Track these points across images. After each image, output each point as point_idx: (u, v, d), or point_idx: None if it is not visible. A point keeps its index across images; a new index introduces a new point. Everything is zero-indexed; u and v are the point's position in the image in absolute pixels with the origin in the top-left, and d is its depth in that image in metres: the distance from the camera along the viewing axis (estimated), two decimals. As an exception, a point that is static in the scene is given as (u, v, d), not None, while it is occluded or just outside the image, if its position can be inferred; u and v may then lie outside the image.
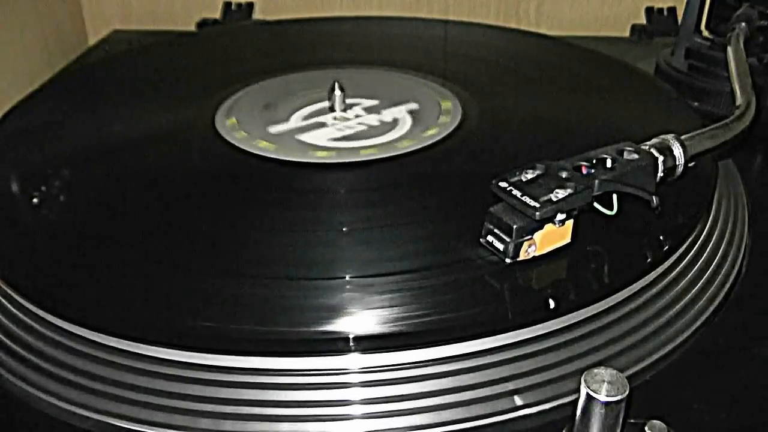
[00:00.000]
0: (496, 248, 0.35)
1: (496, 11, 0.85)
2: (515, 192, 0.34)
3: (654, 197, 0.36)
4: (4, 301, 0.38)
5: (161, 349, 0.33)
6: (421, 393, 0.33)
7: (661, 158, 0.38)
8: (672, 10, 0.79)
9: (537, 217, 0.33)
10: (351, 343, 0.32)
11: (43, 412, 0.34)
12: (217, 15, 0.81)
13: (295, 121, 0.50)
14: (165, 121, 0.52)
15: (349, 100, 0.52)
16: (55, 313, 0.35)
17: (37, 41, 0.77)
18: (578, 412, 0.27)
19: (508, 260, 0.35)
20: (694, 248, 0.40)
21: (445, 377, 0.33)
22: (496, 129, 0.49)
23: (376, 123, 0.50)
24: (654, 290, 0.37)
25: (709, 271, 0.40)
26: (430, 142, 0.47)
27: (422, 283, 0.34)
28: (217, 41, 0.69)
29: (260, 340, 0.32)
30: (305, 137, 0.48)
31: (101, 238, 0.39)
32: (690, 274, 0.39)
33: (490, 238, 0.35)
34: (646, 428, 0.28)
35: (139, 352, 0.33)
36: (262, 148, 0.46)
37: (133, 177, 0.45)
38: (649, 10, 0.80)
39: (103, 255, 0.37)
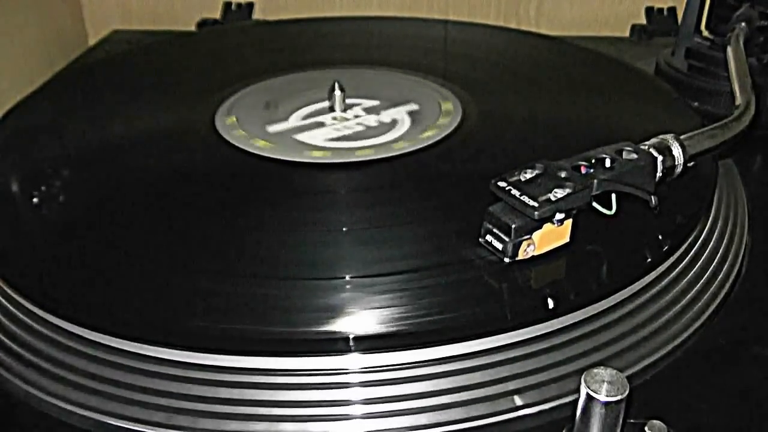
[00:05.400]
0: (495, 248, 0.35)
1: (496, 11, 0.85)
2: (514, 191, 0.34)
3: (653, 197, 0.36)
4: (4, 301, 0.38)
5: (161, 349, 0.33)
6: (421, 393, 0.33)
7: (660, 158, 0.38)
8: (672, 10, 0.79)
9: (536, 217, 0.33)
10: (351, 343, 0.32)
11: (43, 412, 0.34)
12: (217, 15, 0.81)
13: (294, 120, 0.50)
14: (165, 121, 0.52)
15: (349, 101, 0.52)
16: (55, 313, 0.35)
17: (37, 41, 0.77)
18: (578, 412, 0.27)
19: (507, 260, 0.35)
20: (694, 248, 0.40)
21: (444, 377, 0.33)
22: (495, 129, 0.49)
23: (374, 124, 0.50)
24: (654, 290, 0.37)
25: (709, 271, 0.40)
26: (429, 142, 0.47)
27: (421, 283, 0.34)
28: (217, 41, 0.69)
29: (260, 340, 0.32)
30: (302, 137, 0.48)
31: (101, 238, 0.39)
32: (690, 274, 0.39)
33: (489, 237, 0.35)
34: (646, 428, 0.28)
35: (139, 352, 0.33)
36: (261, 147, 0.46)
37: (133, 177, 0.45)
38: (649, 10, 0.80)
39: (102, 255, 0.37)
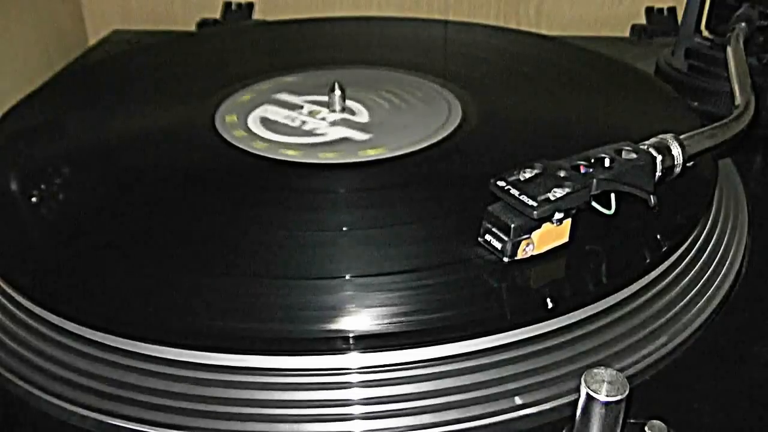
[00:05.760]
0: (494, 247, 0.35)
1: (496, 11, 0.85)
2: (513, 191, 0.34)
3: (652, 196, 0.36)
4: (4, 300, 0.38)
5: (160, 348, 0.33)
6: (421, 393, 0.33)
7: (659, 158, 0.38)
8: (672, 10, 0.79)
9: (535, 216, 0.33)
10: (350, 342, 0.32)
11: (43, 412, 0.34)
12: (217, 15, 0.81)
13: (298, 99, 0.53)
14: (165, 121, 0.52)
15: (350, 102, 0.52)
16: (55, 312, 0.35)
17: (37, 41, 0.77)
18: (578, 412, 0.27)
19: (506, 259, 0.35)
20: (694, 248, 0.40)
21: (444, 377, 0.33)
22: (495, 129, 0.49)
23: (309, 127, 0.49)
24: (654, 290, 0.37)
25: (708, 271, 0.40)
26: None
27: (421, 282, 0.34)
28: (217, 41, 0.69)
29: (260, 339, 0.32)
30: (262, 108, 0.51)
31: (101, 238, 0.39)
32: (690, 274, 0.39)
33: (488, 237, 0.35)
34: (646, 428, 0.28)
35: (139, 351, 0.33)
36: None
37: (133, 176, 0.45)
38: (649, 10, 0.80)
39: (102, 254, 0.37)
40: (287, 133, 0.48)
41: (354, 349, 0.32)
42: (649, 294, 0.37)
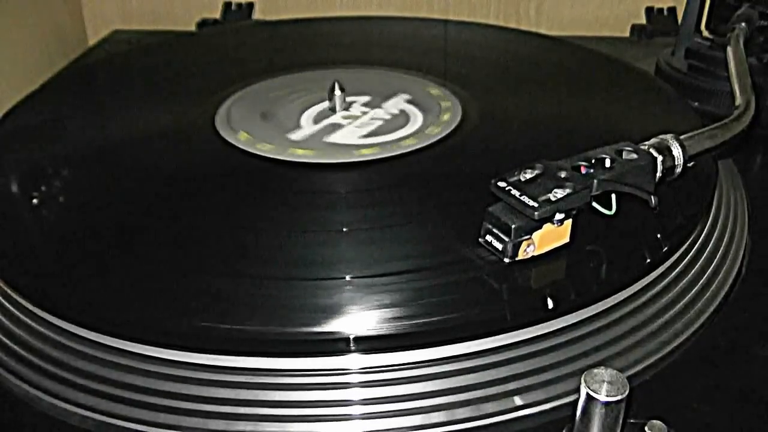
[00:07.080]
0: (494, 248, 0.35)
1: (496, 11, 0.85)
2: (514, 192, 0.34)
3: (652, 197, 0.36)
4: (3, 301, 0.38)
5: (160, 349, 0.33)
6: (421, 393, 0.33)
7: (660, 158, 0.38)
8: (672, 10, 0.79)
9: (536, 217, 0.33)
10: (351, 344, 0.32)
11: (43, 412, 0.34)
12: (217, 15, 0.81)
13: (308, 125, 0.50)
14: (165, 121, 0.52)
15: (349, 99, 0.52)
16: (54, 313, 0.35)
17: (37, 41, 0.77)
18: (578, 412, 0.27)
19: (506, 260, 0.35)
20: (694, 248, 0.40)
21: (444, 378, 0.33)
22: (495, 129, 0.49)
23: (388, 116, 0.50)
24: (654, 290, 0.37)
25: (709, 272, 0.40)
26: (430, 141, 0.47)
27: (422, 283, 0.34)
28: (217, 41, 0.69)
29: (261, 341, 0.32)
30: (333, 138, 0.48)
31: (101, 238, 0.39)
32: (690, 275, 0.39)
33: (488, 237, 0.35)
34: (646, 428, 0.28)
35: (139, 352, 0.33)
36: (266, 150, 0.46)
37: (133, 177, 0.45)
38: (649, 10, 0.80)
39: (102, 255, 0.37)
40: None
41: (354, 350, 0.32)
42: (650, 294, 0.37)
